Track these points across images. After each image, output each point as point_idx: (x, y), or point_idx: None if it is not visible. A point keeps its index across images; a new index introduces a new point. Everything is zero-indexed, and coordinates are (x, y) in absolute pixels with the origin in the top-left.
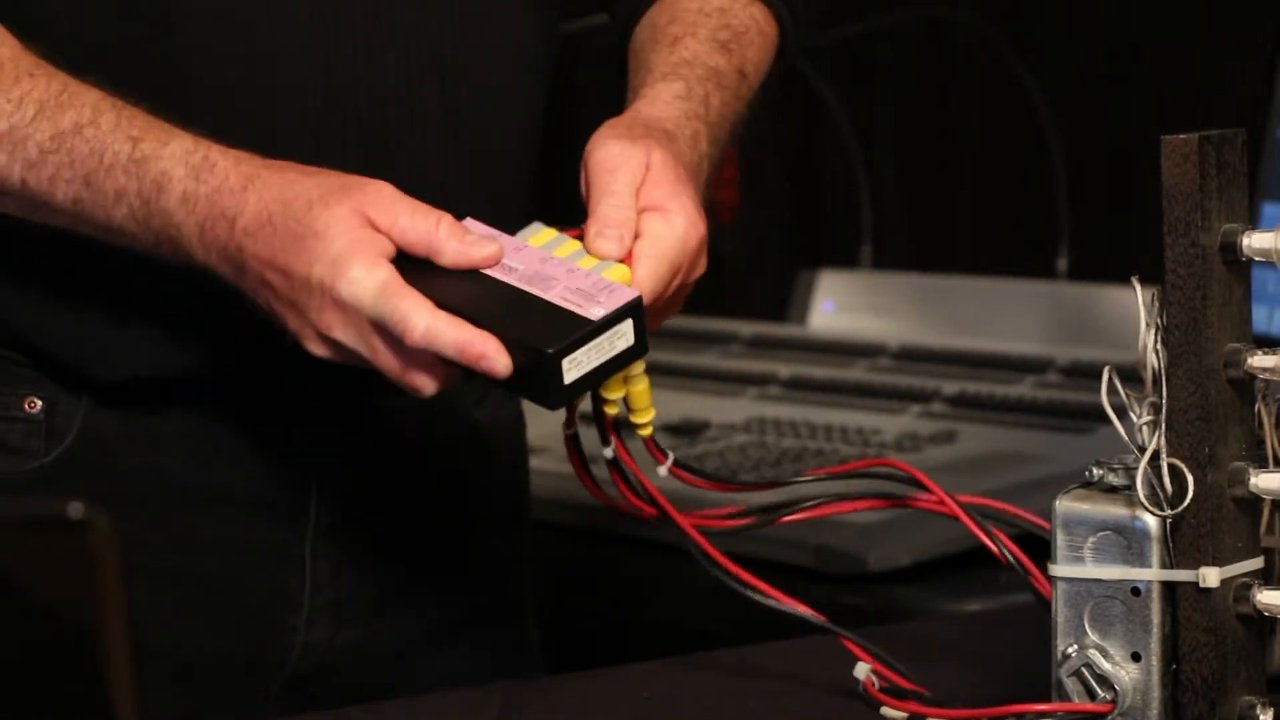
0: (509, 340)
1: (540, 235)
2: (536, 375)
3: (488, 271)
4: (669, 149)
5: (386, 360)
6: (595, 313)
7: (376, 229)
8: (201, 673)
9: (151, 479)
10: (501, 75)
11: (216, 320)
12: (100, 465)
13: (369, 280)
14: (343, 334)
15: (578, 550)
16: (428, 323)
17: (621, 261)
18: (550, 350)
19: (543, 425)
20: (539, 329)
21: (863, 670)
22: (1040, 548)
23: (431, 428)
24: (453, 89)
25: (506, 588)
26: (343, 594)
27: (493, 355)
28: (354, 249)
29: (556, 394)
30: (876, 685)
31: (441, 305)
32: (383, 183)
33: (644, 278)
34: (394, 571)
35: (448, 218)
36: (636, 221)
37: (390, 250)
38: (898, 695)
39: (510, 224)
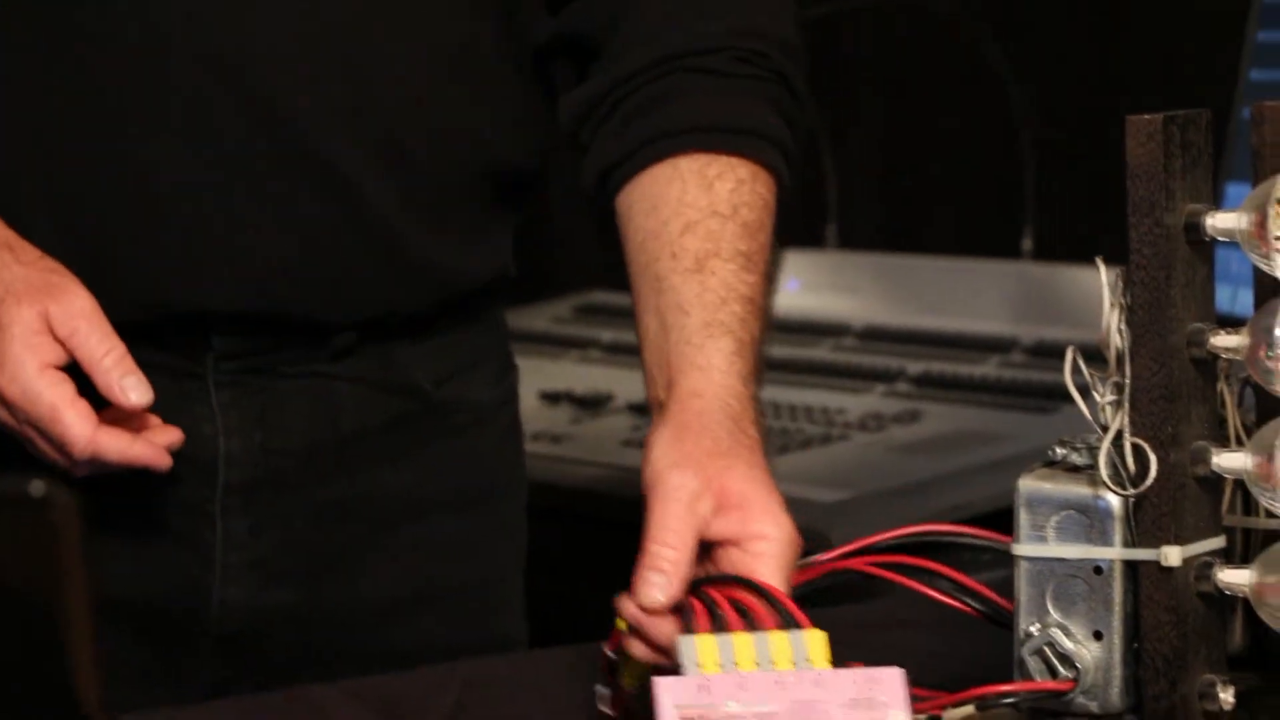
0: None
1: (705, 646)
2: None
3: None
4: (743, 458)
5: (41, 455)
6: (899, 719)
7: (55, 337)
8: (135, 619)
9: None
10: (418, 71)
11: (127, 268)
12: None
13: (31, 386)
14: (6, 417)
15: (556, 532)
16: (90, 439)
17: (775, 613)
18: None
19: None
20: None
21: None
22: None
23: (373, 401)
24: (363, 75)
25: (473, 567)
26: (265, 555)
27: (155, 459)
28: (25, 353)
29: None
30: None
31: None
32: (82, 293)
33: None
34: (330, 539)
35: (118, 352)
36: (689, 563)
37: (62, 359)
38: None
39: (431, 226)
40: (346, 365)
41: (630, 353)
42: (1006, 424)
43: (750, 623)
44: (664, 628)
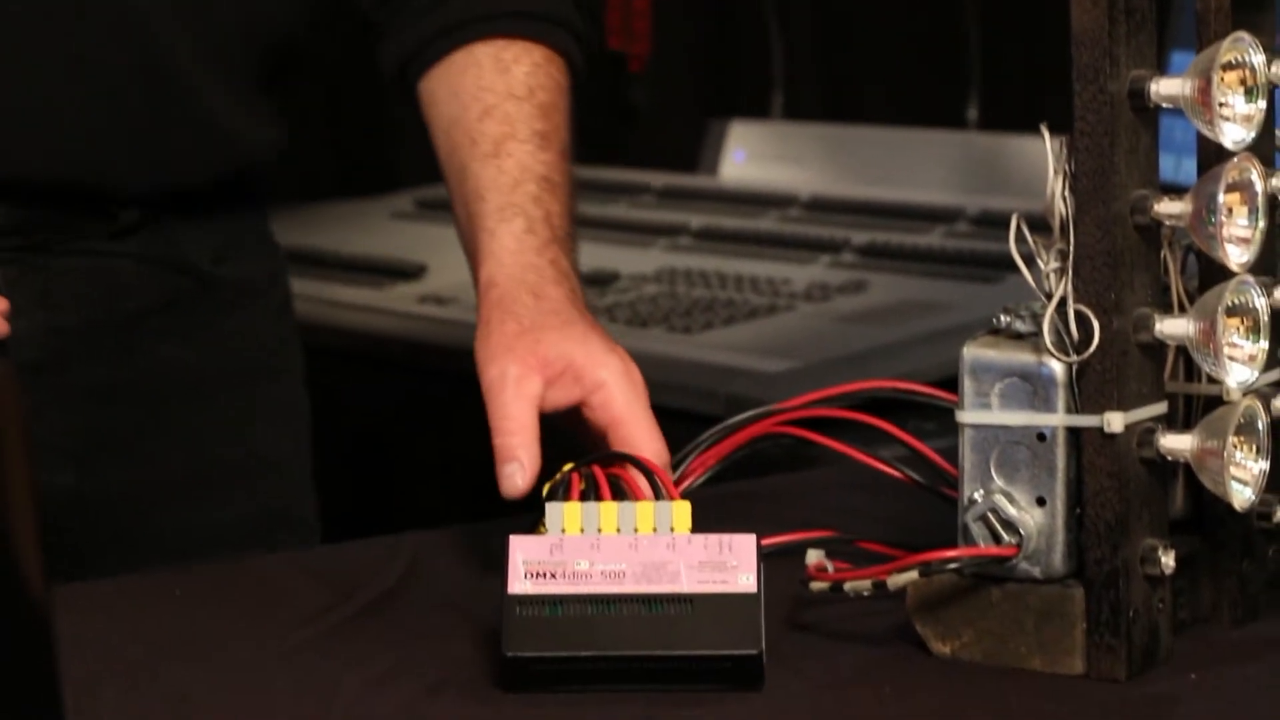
0: (702, 657)
1: (570, 513)
2: (739, 672)
3: (604, 589)
4: (550, 324)
5: None
6: (747, 582)
7: None
8: None
9: None
10: None
11: None
12: None
13: None
14: None
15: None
16: None
17: (646, 487)
18: (756, 651)
19: (450, 275)
20: (722, 632)
21: (814, 556)
22: None
23: (152, 280)
24: None
25: (253, 445)
26: (46, 438)
27: None
28: None
29: (760, 675)
30: (830, 570)
31: (594, 654)
32: None
33: (655, 452)
34: (110, 420)
35: None
36: (535, 441)
37: None
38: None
39: (226, 89)
40: (128, 243)
41: (580, 224)
42: (951, 293)
43: (624, 495)
44: None
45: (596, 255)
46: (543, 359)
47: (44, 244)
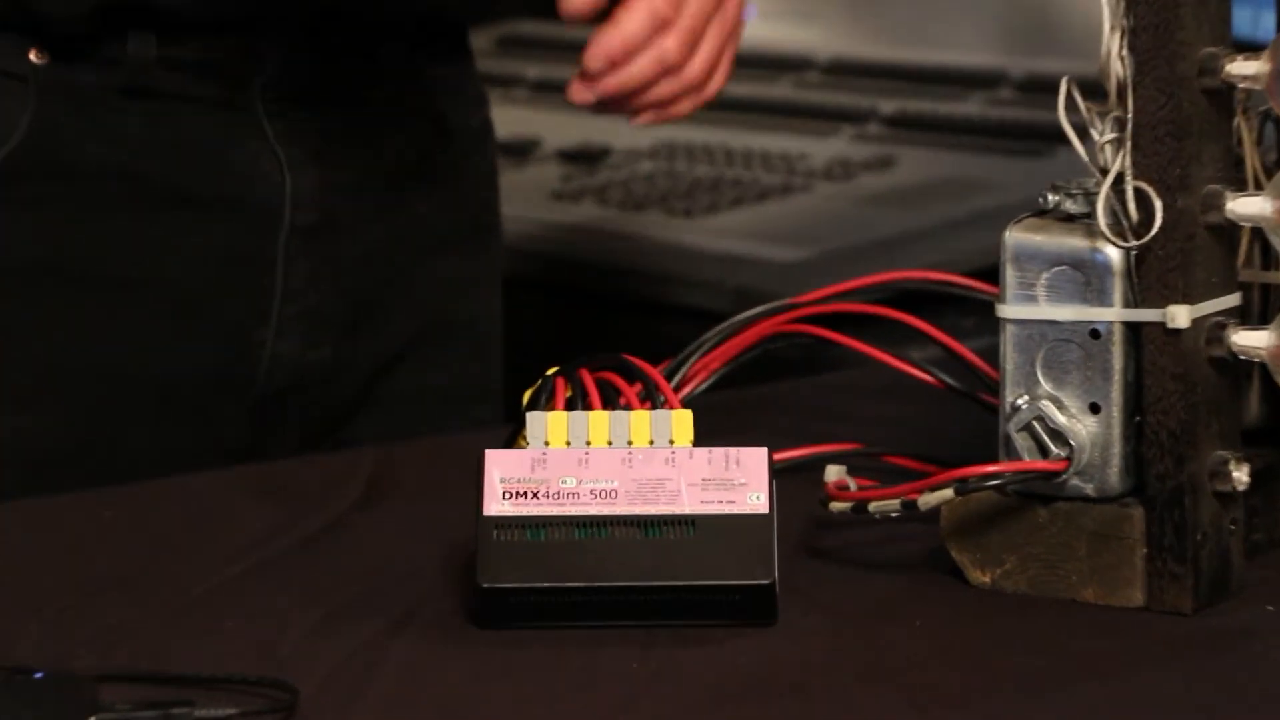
0: (707, 588)
1: (555, 424)
2: (749, 605)
3: (594, 510)
4: None
5: None
6: (757, 501)
7: None
8: (174, 391)
9: (115, 180)
10: None
11: None
12: (55, 165)
13: None
14: None
15: None
16: None
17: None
18: (769, 581)
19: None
20: (729, 559)
21: (834, 473)
22: None
23: (399, 125)
24: None
25: (466, 306)
26: (316, 304)
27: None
28: None
29: (772, 608)
30: (852, 488)
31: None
32: None
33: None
34: (369, 282)
35: None
36: None
37: None
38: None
39: None
40: (384, 90)
41: (561, 91)
42: (992, 170)
43: (616, 403)
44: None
45: (585, 127)
46: None
47: (307, 97)
